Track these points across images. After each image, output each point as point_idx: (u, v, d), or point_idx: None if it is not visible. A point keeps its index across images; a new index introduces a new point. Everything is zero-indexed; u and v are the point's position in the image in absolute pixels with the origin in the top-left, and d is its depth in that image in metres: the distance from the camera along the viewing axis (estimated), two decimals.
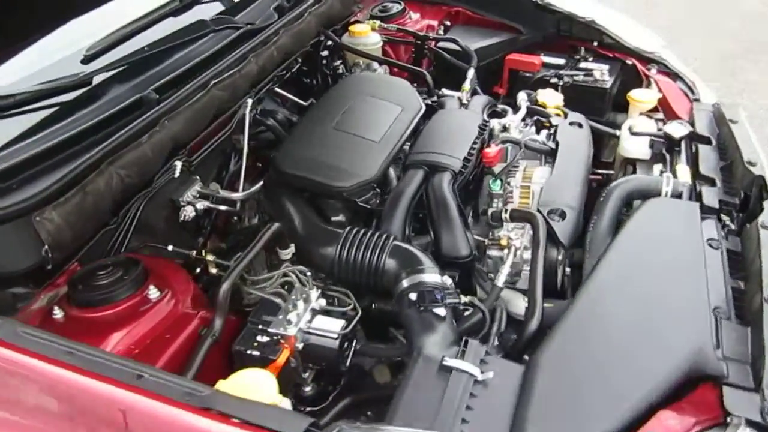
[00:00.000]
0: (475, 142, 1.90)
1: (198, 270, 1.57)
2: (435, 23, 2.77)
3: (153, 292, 1.32)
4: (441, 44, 2.59)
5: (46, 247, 1.32)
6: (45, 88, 1.64)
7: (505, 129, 2.05)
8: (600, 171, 2.44)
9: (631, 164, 2.13)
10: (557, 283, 1.66)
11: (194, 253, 1.63)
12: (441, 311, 1.36)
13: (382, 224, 1.67)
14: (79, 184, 1.39)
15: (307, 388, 1.43)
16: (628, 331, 1.33)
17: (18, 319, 1.28)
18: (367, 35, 2.51)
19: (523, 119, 2.16)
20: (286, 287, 1.46)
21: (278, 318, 1.37)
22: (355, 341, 1.44)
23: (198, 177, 1.89)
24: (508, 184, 1.85)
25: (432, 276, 1.45)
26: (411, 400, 1.24)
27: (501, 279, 1.56)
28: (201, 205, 1.82)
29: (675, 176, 1.85)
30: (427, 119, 2.05)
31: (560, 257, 1.63)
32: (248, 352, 1.33)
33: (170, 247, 1.58)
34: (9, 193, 1.30)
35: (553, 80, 2.45)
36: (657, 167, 2.00)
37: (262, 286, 1.47)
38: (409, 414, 1.21)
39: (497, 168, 1.93)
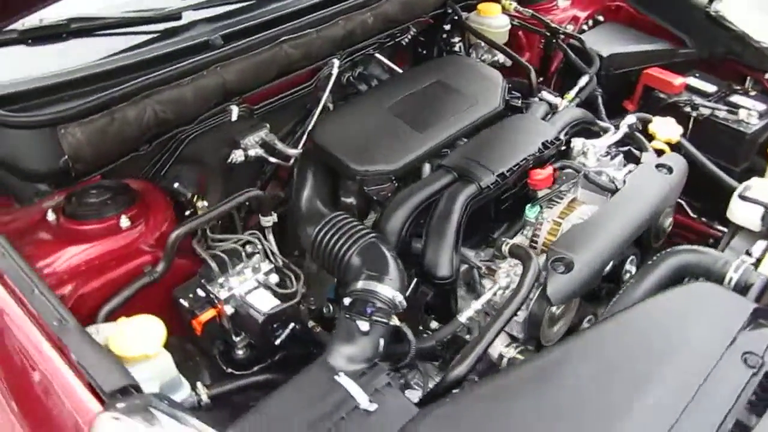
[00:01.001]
0: (526, 159, 1.70)
1: (188, 213, 1.65)
2: (583, 15, 2.47)
3: (124, 221, 1.46)
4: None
5: (66, 157, 1.51)
6: (135, 17, 1.83)
7: (583, 153, 1.81)
8: (717, 227, 2.07)
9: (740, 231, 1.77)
10: (540, 337, 1.48)
11: (189, 195, 1.73)
12: (363, 325, 1.29)
13: (381, 219, 1.61)
14: (107, 109, 1.54)
15: (239, 352, 1.48)
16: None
17: (23, 210, 1.51)
18: (494, 15, 2.33)
19: (615, 146, 1.88)
20: (246, 253, 1.50)
21: (221, 279, 1.42)
22: (293, 324, 1.44)
23: (268, 125, 1.98)
24: (544, 214, 1.65)
25: (386, 288, 1.37)
26: (284, 400, 1.23)
27: (465, 315, 1.43)
28: (253, 152, 1.91)
29: (757, 265, 1.50)
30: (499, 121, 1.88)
31: (547, 312, 1.44)
32: (180, 300, 1.41)
33: (176, 185, 1.69)
34: (44, 107, 1.49)
35: (687, 109, 2.07)
36: (761, 244, 1.63)
37: (222, 245, 1.52)
38: (274, 412, 1.20)
39: (543, 192, 1.72)
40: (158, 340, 1.21)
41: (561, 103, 2.02)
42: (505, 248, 1.52)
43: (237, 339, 1.46)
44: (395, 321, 1.31)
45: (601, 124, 2.00)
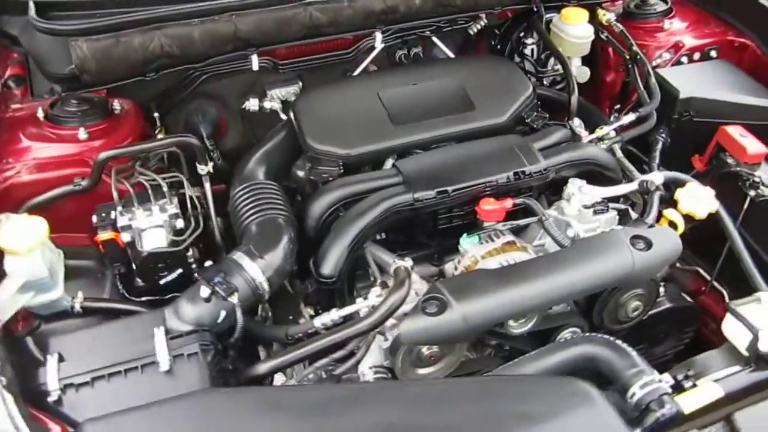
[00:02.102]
0: (484, 184, 1.54)
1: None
2: (691, 44, 2.08)
3: (82, 133, 1.62)
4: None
5: (73, 66, 1.71)
6: None
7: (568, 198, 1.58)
8: None
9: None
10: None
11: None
12: (204, 291, 1.31)
13: (305, 201, 1.59)
14: (113, 32, 1.70)
15: (138, 279, 1.58)
16: None
17: (31, 102, 1.74)
18: (576, 23, 2.06)
19: (619, 199, 1.61)
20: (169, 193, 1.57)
21: (129, 207, 1.53)
22: (180, 270, 1.51)
23: (300, 83, 2.03)
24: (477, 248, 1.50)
25: (254, 268, 1.36)
26: (110, 330, 1.33)
27: (320, 319, 1.38)
28: (269, 105, 1.98)
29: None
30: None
31: (402, 349, 1.33)
32: (93, 216, 1.54)
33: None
34: (65, 20, 1.69)
35: (747, 184, 1.69)
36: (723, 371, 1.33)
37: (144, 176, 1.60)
38: (96, 337, 1.31)
39: (490, 224, 1.55)
40: (32, 240, 1.35)
41: (585, 136, 1.76)
42: (392, 267, 1.42)
43: (127, 267, 1.56)
44: (234, 299, 1.31)
45: (633, 172, 1.72)
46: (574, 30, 2.06)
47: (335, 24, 1.90)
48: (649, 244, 1.43)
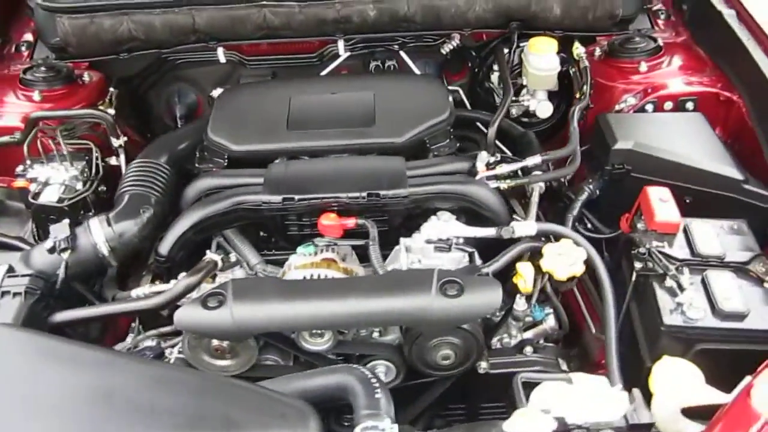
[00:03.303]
0: (335, 198, 1.54)
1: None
2: (665, 92, 1.85)
3: (36, 96, 1.89)
4: None
5: (58, 39, 2.01)
6: None
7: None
8: None
9: None
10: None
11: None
12: (48, 243, 1.49)
13: (186, 185, 1.70)
14: (88, 13, 1.96)
15: None
16: None
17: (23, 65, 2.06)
18: (541, 54, 1.94)
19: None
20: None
21: (41, 163, 1.76)
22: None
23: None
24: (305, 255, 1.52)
25: (99, 231, 1.52)
26: None
27: (135, 291, 1.50)
28: None
29: None
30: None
31: (187, 335, 1.40)
32: (19, 166, 1.79)
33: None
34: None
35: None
36: None
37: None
38: None
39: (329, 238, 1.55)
40: None
41: (481, 172, 1.66)
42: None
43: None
44: (65, 255, 1.48)
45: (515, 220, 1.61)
46: (536, 61, 1.94)
47: (288, 27, 2.00)
48: (460, 291, 1.34)
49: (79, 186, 1.75)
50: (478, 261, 1.51)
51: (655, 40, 1.95)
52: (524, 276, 1.46)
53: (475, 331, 1.41)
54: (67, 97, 1.94)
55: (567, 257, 1.46)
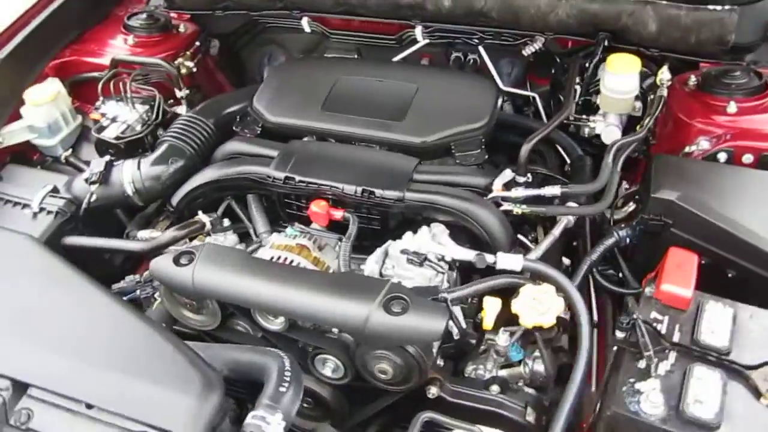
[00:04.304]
0: (328, 188, 1.54)
1: None
2: (750, 143, 1.54)
3: (130, 40, 2.08)
4: None
5: None
6: None
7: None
8: None
9: None
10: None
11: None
12: (85, 174, 1.69)
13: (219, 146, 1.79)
14: None
15: None
16: None
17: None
18: (620, 73, 1.71)
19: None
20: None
21: (113, 101, 1.96)
22: None
23: (356, 53, 2.20)
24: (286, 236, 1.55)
25: (128, 172, 1.70)
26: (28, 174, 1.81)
27: (142, 233, 1.64)
28: None
29: None
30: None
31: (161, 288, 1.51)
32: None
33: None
34: None
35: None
36: None
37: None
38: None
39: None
40: (39, 98, 1.89)
41: (495, 191, 1.54)
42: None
43: None
44: (93, 187, 1.67)
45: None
46: (611, 81, 1.73)
47: (364, 6, 1.98)
48: (404, 310, 1.28)
49: (139, 128, 1.92)
50: (446, 284, 1.42)
51: (760, 76, 1.63)
52: (486, 311, 1.35)
53: (417, 355, 1.34)
54: (158, 45, 2.11)
55: (541, 304, 1.32)
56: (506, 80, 2.09)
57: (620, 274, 1.61)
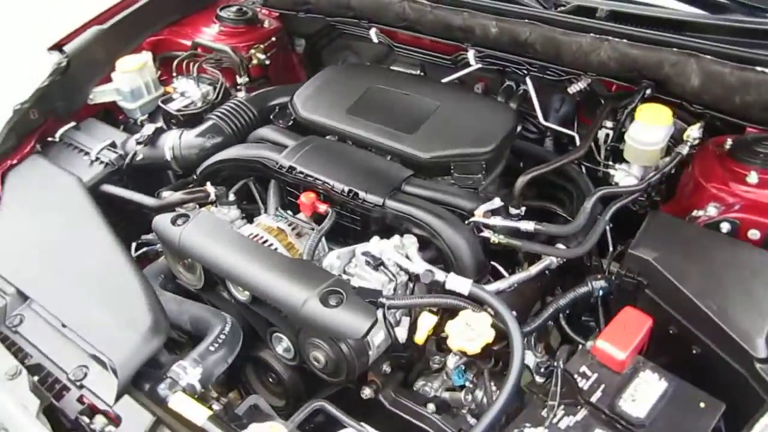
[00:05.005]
0: (321, 183, 1.64)
1: None
2: (760, 217, 1.40)
3: (217, 27, 2.32)
4: None
5: None
6: None
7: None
8: None
9: None
10: None
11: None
12: (145, 130, 1.98)
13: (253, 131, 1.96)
14: None
15: None
16: None
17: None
18: (648, 123, 1.63)
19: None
20: None
21: (184, 78, 2.20)
22: None
23: (420, 71, 2.30)
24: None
25: (171, 139, 1.92)
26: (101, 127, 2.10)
27: (168, 193, 1.85)
28: None
29: None
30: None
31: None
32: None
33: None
34: None
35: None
36: None
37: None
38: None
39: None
40: (126, 68, 2.19)
41: (478, 214, 1.54)
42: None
43: None
44: (139, 147, 1.92)
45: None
46: (637, 130, 1.66)
47: (420, 23, 2.06)
48: (337, 305, 1.35)
49: (199, 104, 2.15)
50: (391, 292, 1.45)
51: None
52: (419, 326, 1.37)
53: (347, 351, 1.39)
54: (238, 35, 2.34)
55: (472, 331, 1.32)
56: (554, 116, 2.06)
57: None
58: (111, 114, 2.29)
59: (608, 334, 1.26)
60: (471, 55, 2.05)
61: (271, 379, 1.74)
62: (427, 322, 1.37)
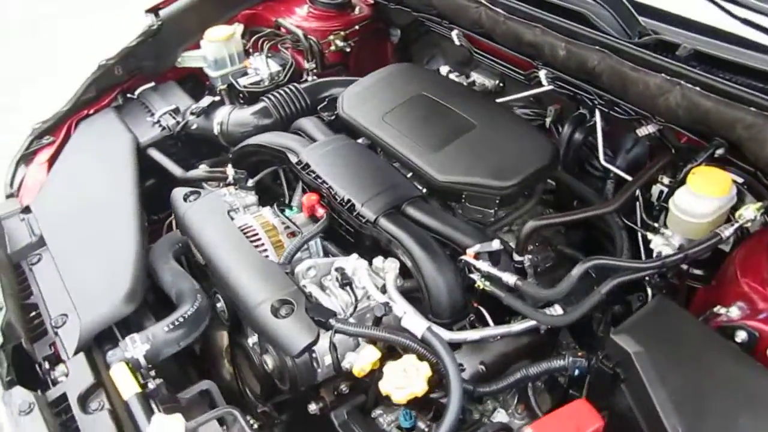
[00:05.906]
0: (326, 187, 1.60)
1: None
2: None
3: (305, 9, 2.33)
4: None
5: None
6: None
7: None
8: None
9: None
10: None
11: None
12: (205, 101, 2.06)
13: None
14: None
15: None
16: None
17: None
18: (698, 191, 1.38)
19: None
20: None
21: (259, 55, 2.25)
22: None
23: (498, 81, 2.17)
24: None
25: (222, 113, 2.01)
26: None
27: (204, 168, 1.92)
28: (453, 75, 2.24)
29: None
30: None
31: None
32: None
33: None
34: None
35: None
36: None
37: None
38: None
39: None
40: (218, 36, 2.27)
41: (469, 253, 1.41)
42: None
43: None
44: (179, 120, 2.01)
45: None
46: (684, 198, 1.41)
47: (495, 33, 1.92)
48: (285, 317, 1.32)
49: (267, 83, 2.19)
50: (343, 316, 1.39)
51: None
52: (359, 358, 1.30)
53: (290, 363, 1.36)
54: (323, 19, 2.34)
55: (405, 378, 1.23)
56: (623, 157, 1.83)
57: None
58: (199, 79, 2.42)
59: (545, 425, 1.11)
60: (543, 74, 1.87)
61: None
62: (367, 356, 1.30)
